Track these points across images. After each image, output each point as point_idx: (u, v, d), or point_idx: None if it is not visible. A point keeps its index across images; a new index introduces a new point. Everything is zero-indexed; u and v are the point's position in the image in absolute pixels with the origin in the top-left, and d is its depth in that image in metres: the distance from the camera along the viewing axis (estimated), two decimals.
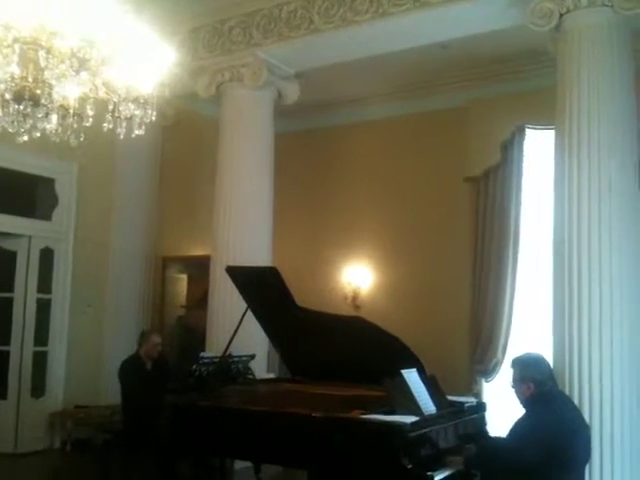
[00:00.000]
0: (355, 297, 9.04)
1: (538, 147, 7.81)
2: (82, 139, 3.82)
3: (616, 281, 5.31)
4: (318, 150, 9.51)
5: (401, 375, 4.13)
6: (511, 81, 7.88)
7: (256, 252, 7.25)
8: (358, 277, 9.08)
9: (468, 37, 6.64)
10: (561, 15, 5.70)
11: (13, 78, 3.35)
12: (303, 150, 9.52)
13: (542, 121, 7.41)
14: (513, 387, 4.04)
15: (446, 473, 3.83)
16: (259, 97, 7.51)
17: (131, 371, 6.29)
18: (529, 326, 7.73)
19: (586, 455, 4.01)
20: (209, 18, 7.50)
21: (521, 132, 7.94)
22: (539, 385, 3.92)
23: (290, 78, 7.64)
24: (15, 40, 3.09)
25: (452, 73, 8.15)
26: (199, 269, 8.70)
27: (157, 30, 3.79)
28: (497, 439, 4.26)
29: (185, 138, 9.16)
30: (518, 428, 3.86)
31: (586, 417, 4.49)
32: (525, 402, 3.97)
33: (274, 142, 7.72)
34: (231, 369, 5.43)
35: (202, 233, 8.54)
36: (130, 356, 6.52)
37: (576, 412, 4.08)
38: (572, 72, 5.62)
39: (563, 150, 5.65)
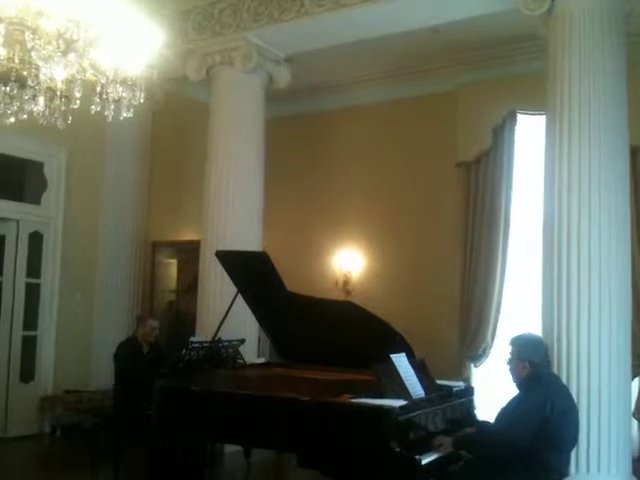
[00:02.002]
0: (346, 282, 9.04)
1: (529, 132, 7.82)
2: (70, 122, 3.77)
3: (605, 266, 5.33)
4: (308, 134, 9.47)
5: (390, 359, 4.14)
6: (502, 66, 7.84)
7: (246, 237, 7.23)
8: (349, 262, 9.08)
9: (459, 21, 6.60)
10: None
11: None
12: (293, 134, 9.48)
13: (533, 106, 7.40)
14: (508, 364, 4.08)
15: (434, 456, 3.85)
16: (250, 81, 7.46)
17: (128, 352, 6.31)
18: (519, 311, 7.77)
19: (575, 437, 4.06)
20: (199, 0, 7.43)
21: (512, 117, 7.92)
22: (535, 367, 3.97)
23: (281, 62, 7.59)
24: (0, 20, 3.04)
25: (443, 57, 8.11)
26: (189, 254, 8.68)
27: (146, 11, 3.75)
28: (487, 422, 4.29)
29: (175, 122, 9.10)
30: (511, 407, 3.90)
31: (573, 397, 4.52)
32: (519, 382, 4.01)
33: (264, 127, 7.69)
34: (221, 354, 5.43)
35: (192, 218, 8.51)
36: (127, 338, 6.56)
37: (567, 394, 4.12)
38: (563, 56, 5.61)
39: (554, 135, 5.65)
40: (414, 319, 7.35)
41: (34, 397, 7.87)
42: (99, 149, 8.50)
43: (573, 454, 4.79)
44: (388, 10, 6.43)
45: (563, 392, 4.08)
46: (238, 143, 7.38)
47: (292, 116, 9.43)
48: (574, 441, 4.06)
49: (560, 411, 3.82)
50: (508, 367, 4.10)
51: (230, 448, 6.61)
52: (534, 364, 3.98)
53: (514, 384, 4.07)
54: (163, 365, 6.24)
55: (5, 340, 7.69)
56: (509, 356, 4.10)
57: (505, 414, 3.91)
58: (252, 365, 5.64)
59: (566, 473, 4.00)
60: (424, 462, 3.72)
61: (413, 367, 4.27)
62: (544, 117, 6.05)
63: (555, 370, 5.23)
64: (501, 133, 7.95)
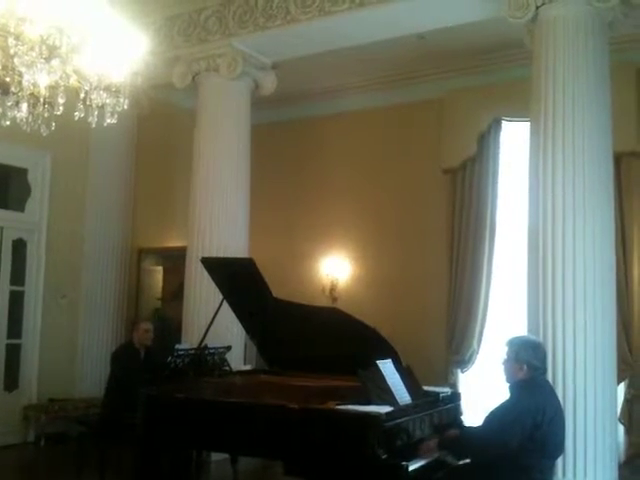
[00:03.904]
0: (333, 289, 9.04)
1: (514, 139, 7.87)
2: (53, 128, 3.75)
3: (590, 271, 5.36)
4: (295, 141, 9.48)
5: (376, 365, 4.14)
6: (487, 73, 7.91)
7: (233, 243, 7.21)
8: (335, 269, 9.08)
9: (445, 28, 6.64)
10: (537, 7, 5.73)
11: None
12: (280, 141, 9.48)
13: (518, 113, 7.45)
14: (504, 365, 4.00)
15: (421, 462, 3.85)
16: (236, 87, 7.46)
17: (125, 357, 6.29)
18: (505, 317, 7.79)
19: (561, 444, 4.03)
20: (185, 7, 7.43)
21: (497, 124, 7.99)
22: (532, 370, 3.90)
23: (267, 69, 7.60)
24: None
25: (429, 64, 8.15)
26: (175, 260, 8.64)
27: (132, 18, 3.74)
28: (474, 427, 4.27)
29: (161, 128, 9.07)
30: (501, 411, 3.86)
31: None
32: (513, 384, 3.94)
33: (251, 133, 7.68)
34: (207, 361, 5.40)
35: (178, 224, 8.49)
36: (124, 343, 6.51)
37: (557, 403, 4.05)
38: (547, 64, 5.65)
39: (538, 142, 5.68)
40: (400, 325, 7.36)
41: (18, 406, 7.78)
42: (83, 155, 8.44)
43: (559, 459, 4.80)
44: (374, 17, 6.45)
45: (554, 399, 4.03)
46: (224, 150, 7.37)
47: (279, 122, 9.43)
48: (560, 448, 4.04)
49: (550, 420, 3.78)
50: (502, 368, 4.01)
51: (217, 456, 6.57)
52: (533, 367, 3.90)
53: (507, 385, 4.01)
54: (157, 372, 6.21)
55: None
56: (505, 357, 4.01)
57: (495, 417, 3.86)
58: (238, 372, 5.62)
59: (550, 477, 3.99)
60: (411, 469, 3.71)
61: (399, 373, 4.26)
62: (529, 124, 6.08)
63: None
64: (486, 140, 8.01)
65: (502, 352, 4.06)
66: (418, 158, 8.56)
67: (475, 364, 7.87)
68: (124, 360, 6.27)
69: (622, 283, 6.74)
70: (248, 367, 6.16)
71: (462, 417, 4.73)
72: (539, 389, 3.92)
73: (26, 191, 8.01)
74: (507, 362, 3.99)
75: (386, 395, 4.04)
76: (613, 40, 5.94)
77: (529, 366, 3.91)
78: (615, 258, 5.70)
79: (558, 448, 3.99)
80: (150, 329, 6.46)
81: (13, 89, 3.38)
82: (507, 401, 3.91)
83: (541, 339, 5.33)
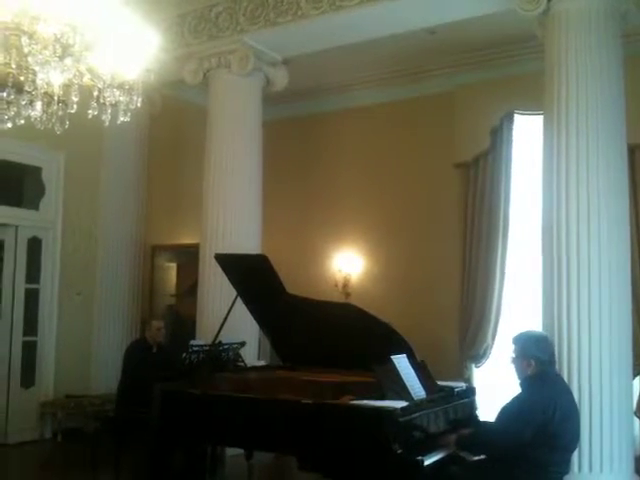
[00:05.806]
0: (345, 284, 9.04)
1: (527, 132, 7.82)
2: (67, 126, 3.76)
3: (605, 265, 5.33)
4: (306, 137, 9.47)
5: (391, 361, 4.14)
6: (499, 66, 7.85)
7: (245, 240, 7.23)
8: (348, 264, 9.08)
9: (456, 22, 6.62)
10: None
11: None
12: (291, 137, 9.48)
13: (531, 106, 7.41)
14: (513, 363, 4.02)
15: (436, 457, 3.85)
16: (247, 84, 7.47)
17: (138, 352, 6.35)
18: (519, 311, 7.76)
19: (575, 440, 4.01)
20: (196, 3, 7.46)
21: (510, 118, 7.94)
22: (541, 364, 3.90)
23: (278, 64, 7.60)
24: None
25: (440, 59, 8.12)
26: (188, 257, 8.67)
27: (143, 15, 3.74)
28: (488, 422, 4.27)
29: (173, 125, 9.10)
30: (513, 406, 3.86)
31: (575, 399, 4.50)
32: (523, 380, 3.95)
33: (262, 129, 7.69)
34: (221, 357, 5.43)
35: (191, 221, 8.50)
36: (137, 339, 6.57)
37: (570, 397, 4.06)
38: (560, 57, 5.62)
39: (551, 135, 5.65)
40: (414, 320, 7.35)
41: (35, 402, 7.84)
42: (97, 153, 8.49)
43: (575, 453, 4.78)
44: (385, 12, 6.44)
45: (567, 396, 4.01)
46: (236, 146, 7.38)
47: (290, 118, 9.43)
48: (575, 442, 4.01)
49: (562, 415, 3.77)
50: (512, 366, 4.02)
51: (231, 451, 6.60)
52: (540, 361, 3.89)
53: (518, 382, 4.02)
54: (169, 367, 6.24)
55: (5, 346, 7.66)
56: (513, 355, 4.02)
57: (506, 412, 3.86)
58: (253, 368, 5.64)
59: (566, 471, 3.98)
60: (426, 463, 3.71)
61: (414, 368, 4.26)
62: (542, 117, 6.05)
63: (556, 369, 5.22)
64: (499, 134, 7.97)
65: (510, 350, 4.06)
66: (430, 153, 8.53)
67: (489, 359, 7.84)
68: (136, 356, 6.30)
69: (637, 277, 6.69)
70: (262, 363, 6.18)
71: (477, 412, 4.72)
72: (550, 383, 3.91)
73: (40, 190, 8.07)
74: (515, 359, 4.01)
75: (401, 390, 4.04)
76: (626, 32, 5.88)
77: (537, 360, 3.91)
78: (630, 251, 5.65)
79: (572, 442, 3.97)
80: (162, 327, 6.51)
81: (27, 88, 3.39)
82: (518, 396, 3.92)
83: (555, 334, 5.34)
